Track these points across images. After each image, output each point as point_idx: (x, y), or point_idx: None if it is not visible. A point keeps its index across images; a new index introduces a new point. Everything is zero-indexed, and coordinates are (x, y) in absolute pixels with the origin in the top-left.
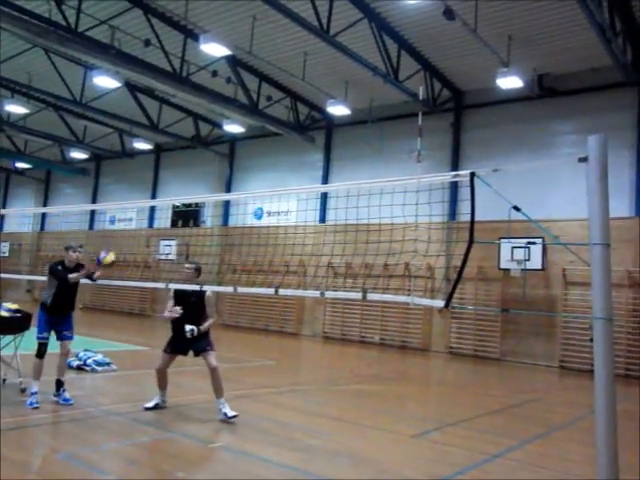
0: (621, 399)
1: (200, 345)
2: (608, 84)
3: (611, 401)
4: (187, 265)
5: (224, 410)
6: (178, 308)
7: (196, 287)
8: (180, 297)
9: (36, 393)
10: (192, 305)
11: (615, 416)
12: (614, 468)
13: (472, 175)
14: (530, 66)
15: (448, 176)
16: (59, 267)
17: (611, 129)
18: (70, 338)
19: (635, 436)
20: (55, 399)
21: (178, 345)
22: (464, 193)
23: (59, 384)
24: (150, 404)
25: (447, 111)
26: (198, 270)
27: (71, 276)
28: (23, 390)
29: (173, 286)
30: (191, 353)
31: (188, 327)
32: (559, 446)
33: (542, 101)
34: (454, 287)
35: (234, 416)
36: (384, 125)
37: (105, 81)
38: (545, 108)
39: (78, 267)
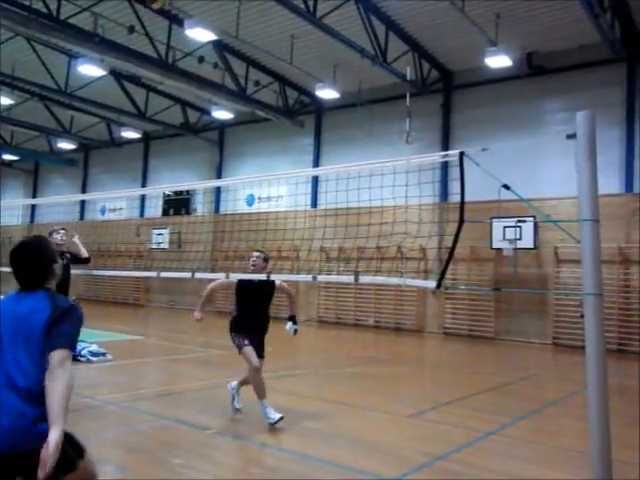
0: (613, 374)
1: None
2: (597, 61)
3: (602, 375)
4: (255, 253)
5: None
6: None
7: (261, 276)
8: (247, 290)
9: None
10: (263, 297)
11: (607, 390)
12: (606, 440)
13: (461, 154)
14: (518, 44)
15: (437, 156)
16: None
17: (600, 106)
18: None
19: (627, 409)
20: None
21: (253, 341)
22: (455, 173)
23: None
24: (274, 418)
25: (436, 92)
26: (267, 259)
27: None
28: None
29: (237, 276)
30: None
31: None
32: (552, 421)
33: (531, 79)
34: (445, 267)
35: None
36: (374, 108)
37: (90, 69)
38: (534, 86)
39: (63, 253)
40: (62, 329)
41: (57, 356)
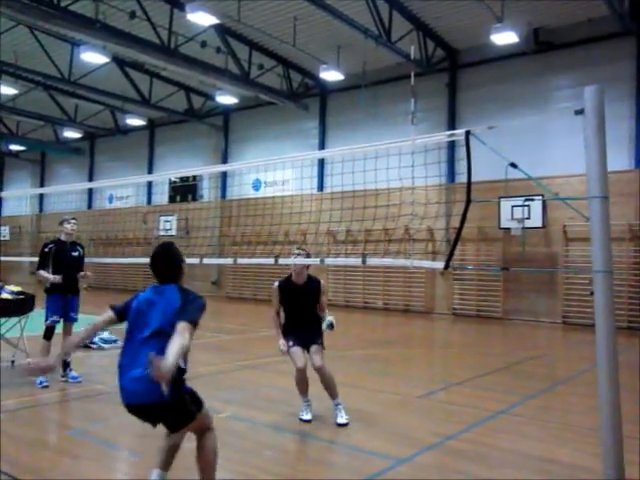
0: (623, 350)
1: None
2: (605, 35)
3: (612, 352)
4: (297, 252)
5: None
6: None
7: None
8: (289, 291)
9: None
10: (307, 299)
11: (617, 367)
12: (616, 417)
13: (467, 133)
14: (525, 20)
15: (443, 136)
16: (47, 247)
17: (609, 81)
18: (75, 320)
19: (637, 386)
20: (63, 379)
21: (299, 337)
22: (461, 153)
23: (65, 365)
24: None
25: (442, 71)
26: (309, 255)
27: (42, 272)
28: None
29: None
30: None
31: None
32: (562, 400)
33: (538, 56)
34: (453, 248)
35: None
36: (378, 89)
37: (93, 57)
38: (542, 63)
39: (75, 244)
40: (187, 310)
41: (181, 326)
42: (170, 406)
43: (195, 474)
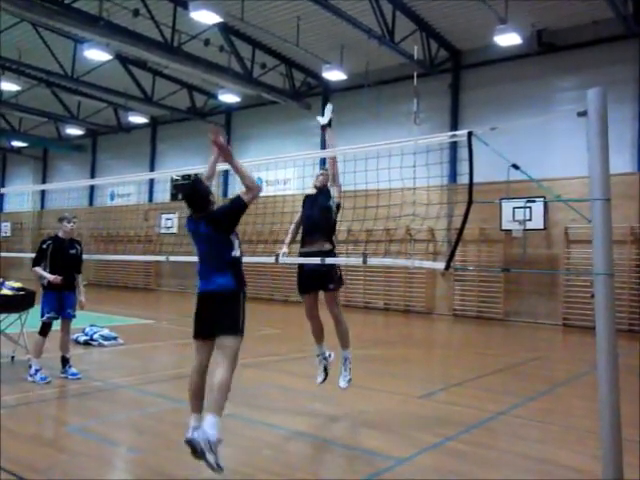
0: (623, 353)
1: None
2: (609, 37)
3: (613, 355)
4: (321, 171)
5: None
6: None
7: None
8: (305, 205)
9: (41, 369)
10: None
11: (617, 370)
12: (616, 420)
13: (470, 134)
14: (528, 21)
15: (445, 136)
16: (45, 244)
17: (613, 83)
18: (73, 316)
19: (637, 389)
20: (63, 376)
21: (305, 282)
22: (463, 154)
23: (64, 361)
24: (320, 377)
25: (445, 72)
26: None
27: (38, 269)
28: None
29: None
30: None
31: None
32: (562, 402)
33: (541, 57)
34: (454, 248)
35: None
36: (381, 89)
37: (96, 54)
38: (545, 64)
39: (73, 242)
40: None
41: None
42: (233, 294)
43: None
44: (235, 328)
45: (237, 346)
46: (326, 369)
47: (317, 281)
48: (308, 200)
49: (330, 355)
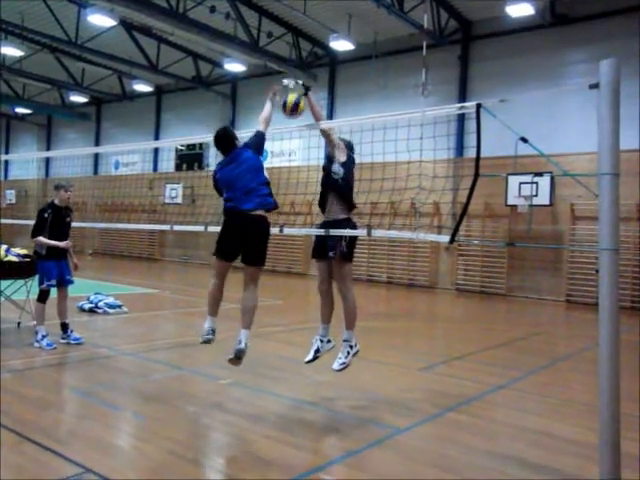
0: (625, 330)
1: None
2: (622, 8)
3: (615, 331)
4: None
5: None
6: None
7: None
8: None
9: (47, 335)
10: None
11: (618, 346)
12: (615, 394)
13: (478, 106)
14: None
15: (453, 108)
16: (46, 213)
17: (624, 56)
18: (71, 282)
19: (636, 365)
20: (64, 341)
21: (315, 247)
22: (471, 127)
23: (65, 326)
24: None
25: (454, 43)
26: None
27: (43, 238)
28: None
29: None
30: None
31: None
32: (562, 376)
33: (553, 29)
34: (459, 222)
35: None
36: (389, 60)
37: (100, 19)
38: (557, 37)
39: (68, 209)
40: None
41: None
42: (266, 224)
43: None
44: (264, 260)
45: (259, 273)
46: (317, 352)
47: (322, 247)
48: (324, 171)
49: (329, 341)
